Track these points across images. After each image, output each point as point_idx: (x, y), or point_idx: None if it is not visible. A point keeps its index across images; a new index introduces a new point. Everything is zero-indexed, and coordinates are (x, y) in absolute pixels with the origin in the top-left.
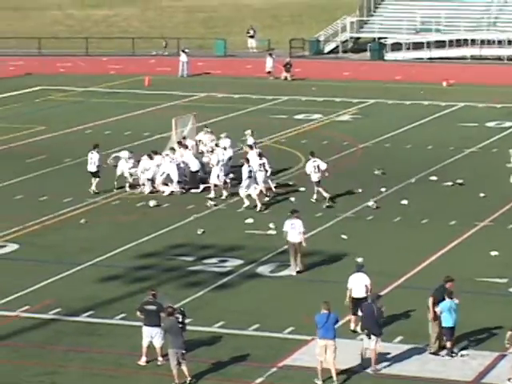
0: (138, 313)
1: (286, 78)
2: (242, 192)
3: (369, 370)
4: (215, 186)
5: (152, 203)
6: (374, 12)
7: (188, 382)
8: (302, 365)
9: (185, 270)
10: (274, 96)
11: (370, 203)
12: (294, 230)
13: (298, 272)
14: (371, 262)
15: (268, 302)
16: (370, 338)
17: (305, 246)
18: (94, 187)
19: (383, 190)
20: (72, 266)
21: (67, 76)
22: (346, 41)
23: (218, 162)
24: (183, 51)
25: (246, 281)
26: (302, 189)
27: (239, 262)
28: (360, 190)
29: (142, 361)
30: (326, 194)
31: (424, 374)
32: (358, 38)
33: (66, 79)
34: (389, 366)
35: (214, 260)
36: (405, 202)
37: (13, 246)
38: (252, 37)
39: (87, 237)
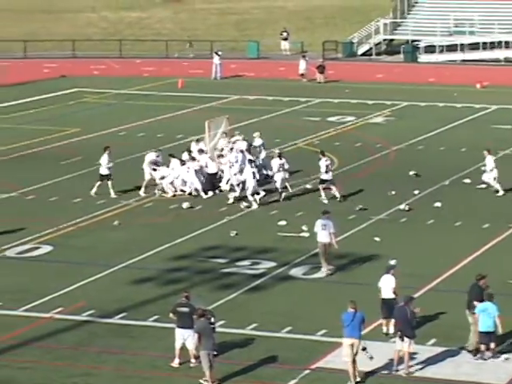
0: (171, 315)
1: (319, 81)
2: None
3: (402, 373)
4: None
5: (185, 205)
6: (408, 14)
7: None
8: (335, 367)
9: (218, 272)
10: (307, 98)
11: (402, 206)
12: (325, 231)
13: (329, 275)
14: (404, 264)
15: (301, 304)
16: (403, 341)
17: (336, 248)
18: (111, 191)
19: (416, 192)
20: (105, 268)
21: (101, 78)
22: (380, 43)
23: (231, 165)
24: (216, 53)
25: (278, 283)
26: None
27: (272, 264)
28: (393, 193)
29: (175, 363)
30: (333, 191)
31: (457, 377)
32: (392, 40)
33: (100, 81)
34: (422, 368)
35: (246, 262)
36: (438, 204)
37: (47, 248)
38: (285, 39)
39: (120, 239)
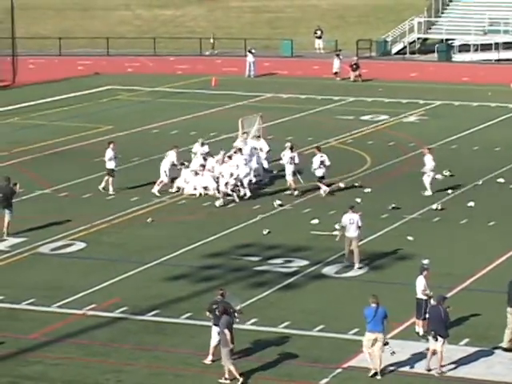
0: (207, 313)
1: (354, 80)
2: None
3: (434, 372)
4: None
5: (218, 203)
6: (442, 13)
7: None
8: (367, 366)
9: (251, 270)
10: (340, 97)
11: (435, 206)
12: (353, 225)
13: (359, 268)
14: (437, 263)
15: (333, 302)
16: (436, 340)
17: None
18: (110, 188)
19: (450, 191)
20: (138, 265)
21: (135, 76)
22: (414, 42)
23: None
24: (250, 51)
25: (311, 281)
26: (368, 190)
27: (305, 262)
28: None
29: (208, 360)
30: (324, 188)
31: (489, 377)
32: (426, 39)
33: (134, 79)
34: (455, 368)
35: (279, 260)
36: (471, 204)
37: (80, 245)
38: (319, 37)
39: (154, 236)
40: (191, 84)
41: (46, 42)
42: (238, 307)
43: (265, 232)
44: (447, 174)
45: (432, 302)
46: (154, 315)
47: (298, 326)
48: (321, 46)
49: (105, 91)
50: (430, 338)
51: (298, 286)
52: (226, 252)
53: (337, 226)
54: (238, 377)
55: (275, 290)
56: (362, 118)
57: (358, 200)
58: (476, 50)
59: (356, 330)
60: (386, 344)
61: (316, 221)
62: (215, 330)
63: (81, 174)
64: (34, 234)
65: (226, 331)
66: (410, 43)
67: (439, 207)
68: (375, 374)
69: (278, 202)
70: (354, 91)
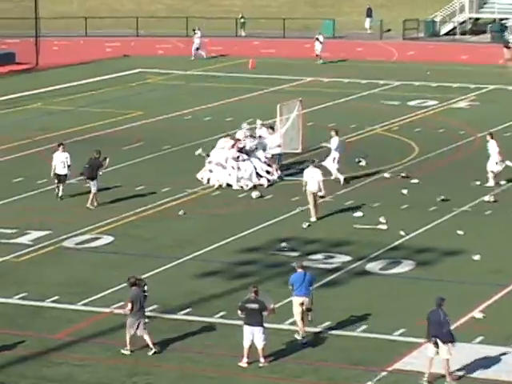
0: (239, 312)
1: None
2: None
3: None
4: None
5: (255, 194)
6: None
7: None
8: (413, 369)
9: (289, 266)
10: (385, 80)
11: (487, 197)
12: (314, 179)
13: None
14: (489, 259)
15: (377, 301)
16: (437, 347)
17: (322, 195)
18: (60, 192)
19: (503, 182)
20: (169, 260)
21: (166, 58)
22: (465, 22)
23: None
24: (194, 30)
25: (354, 278)
26: (415, 180)
27: (347, 258)
28: (478, 183)
29: (243, 362)
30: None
31: None
32: (478, 19)
33: (165, 61)
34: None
35: (320, 256)
36: None
37: (108, 238)
38: (369, 16)
39: (186, 229)
40: (226, 67)
41: (71, 22)
42: (271, 306)
43: (305, 225)
44: (500, 163)
45: None
46: (185, 314)
47: (339, 325)
48: (368, 25)
49: (134, 74)
50: (431, 344)
51: (340, 283)
52: (262, 247)
53: (381, 219)
54: (151, 346)
55: (315, 288)
56: (409, 103)
57: (405, 191)
58: None
59: (402, 330)
60: (308, 310)
61: (359, 213)
62: (248, 329)
63: (109, 163)
64: (59, 227)
65: (128, 305)
66: (461, 23)
67: (492, 199)
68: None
69: (320, 194)
70: (400, 75)
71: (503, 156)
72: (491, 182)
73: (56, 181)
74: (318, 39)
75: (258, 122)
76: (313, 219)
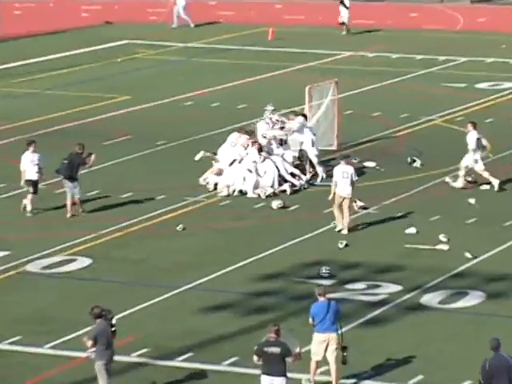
0: (255, 357)
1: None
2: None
3: None
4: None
5: (275, 204)
6: None
7: None
8: None
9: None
10: (447, 56)
11: None
12: (347, 180)
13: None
14: None
15: (437, 344)
16: None
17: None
18: (28, 206)
19: None
20: (165, 290)
21: (160, 27)
22: None
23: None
24: None
25: (405, 314)
26: (486, 187)
27: (396, 287)
28: None
29: None
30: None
31: None
32: None
33: (159, 31)
34: None
35: (361, 285)
36: None
37: (83, 261)
38: None
39: (186, 249)
40: (239, 37)
41: None
42: (296, 350)
43: (341, 245)
44: None
45: None
46: (184, 360)
47: (385, 375)
48: None
49: (118, 47)
50: None
51: (387, 320)
52: (284, 273)
53: (442, 238)
54: None
55: (355, 326)
56: (478, 85)
57: (472, 201)
58: None
59: (469, 382)
60: (344, 349)
61: (413, 230)
62: (266, 380)
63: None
64: (20, 246)
65: (90, 342)
66: None
67: None
68: None
69: (360, 204)
70: (466, 49)
71: None
72: None
73: (30, 189)
74: (342, 2)
75: (269, 107)
76: (339, 227)
